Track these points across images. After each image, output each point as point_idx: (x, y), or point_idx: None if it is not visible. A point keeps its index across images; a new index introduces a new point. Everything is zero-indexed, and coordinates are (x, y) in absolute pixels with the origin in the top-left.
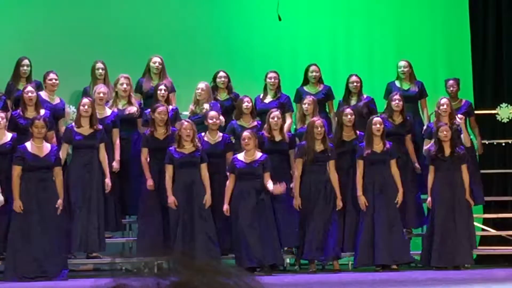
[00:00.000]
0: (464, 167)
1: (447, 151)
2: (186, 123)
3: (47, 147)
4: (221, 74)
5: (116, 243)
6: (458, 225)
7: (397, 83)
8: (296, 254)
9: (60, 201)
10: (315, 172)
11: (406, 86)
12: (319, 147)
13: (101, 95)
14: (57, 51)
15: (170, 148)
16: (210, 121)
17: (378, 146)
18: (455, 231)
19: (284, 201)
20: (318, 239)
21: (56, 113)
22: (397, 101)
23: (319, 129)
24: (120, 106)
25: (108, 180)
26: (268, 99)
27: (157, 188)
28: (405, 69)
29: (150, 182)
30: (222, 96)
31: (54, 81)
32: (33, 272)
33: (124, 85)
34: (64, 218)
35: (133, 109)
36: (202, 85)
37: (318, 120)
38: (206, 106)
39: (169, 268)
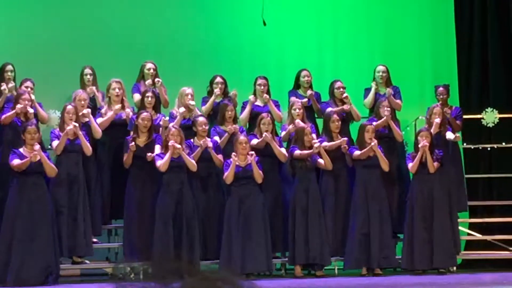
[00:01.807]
0: (436, 164)
1: (425, 155)
2: (173, 129)
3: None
4: (218, 79)
5: (102, 249)
6: (438, 228)
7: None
8: (288, 258)
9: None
10: (305, 178)
11: (383, 90)
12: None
13: (82, 102)
14: (47, 57)
15: (158, 154)
16: (199, 128)
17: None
18: (434, 235)
19: (273, 206)
20: (307, 245)
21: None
22: (385, 108)
23: (309, 136)
24: (114, 111)
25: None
26: (260, 103)
27: (141, 195)
28: (384, 74)
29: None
30: (218, 100)
31: (29, 89)
32: (23, 278)
33: (117, 90)
34: (54, 223)
35: (129, 113)
36: (190, 90)
37: (308, 127)
38: (196, 110)
39: (172, 275)
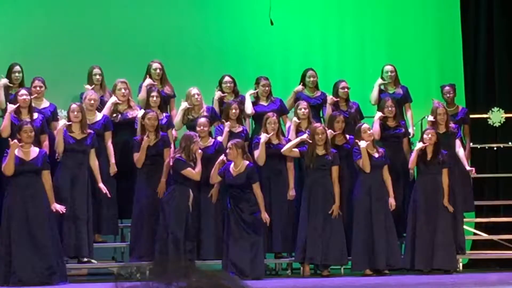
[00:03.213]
0: (445, 171)
1: (430, 154)
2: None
3: (34, 151)
4: (227, 78)
5: (108, 248)
6: (440, 228)
7: (382, 88)
8: (295, 257)
9: (53, 206)
10: (317, 177)
11: (391, 90)
12: (321, 152)
13: (92, 101)
14: (54, 56)
15: (177, 156)
16: (198, 128)
17: (372, 151)
18: (437, 235)
19: (282, 206)
20: (318, 244)
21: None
22: (389, 108)
23: (320, 135)
24: (121, 111)
25: (102, 185)
26: (263, 103)
27: (150, 194)
28: (392, 73)
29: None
30: (229, 100)
31: (38, 88)
32: (25, 278)
33: (122, 90)
34: (52, 222)
35: (135, 113)
36: (196, 90)
37: (320, 127)
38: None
39: (175, 274)
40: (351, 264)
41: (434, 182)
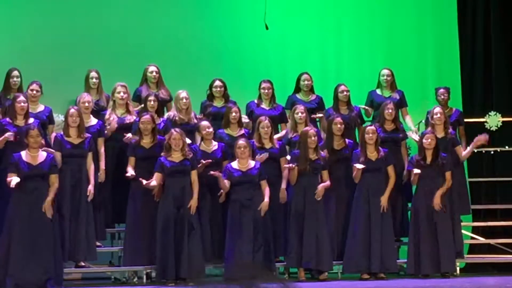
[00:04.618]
0: (448, 174)
1: (429, 158)
2: (174, 132)
3: (42, 155)
4: (218, 83)
5: (105, 252)
6: (441, 232)
7: (378, 91)
8: (288, 262)
9: (44, 206)
10: (310, 181)
11: (387, 94)
12: (312, 156)
13: (86, 104)
14: (50, 60)
15: (161, 157)
16: (204, 132)
17: (372, 154)
18: (441, 238)
19: (273, 209)
20: (310, 248)
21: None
22: (390, 110)
23: (312, 138)
24: (118, 115)
25: (91, 187)
26: (265, 106)
27: (145, 198)
28: (388, 78)
29: (131, 172)
30: (219, 104)
31: (35, 92)
32: (22, 282)
33: (122, 93)
34: (56, 227)
35: (132, 118)
36: (185, 93)
37: (311, 130)
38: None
39: (254, 277)
40: (343, 266)
41: (434, 185)
